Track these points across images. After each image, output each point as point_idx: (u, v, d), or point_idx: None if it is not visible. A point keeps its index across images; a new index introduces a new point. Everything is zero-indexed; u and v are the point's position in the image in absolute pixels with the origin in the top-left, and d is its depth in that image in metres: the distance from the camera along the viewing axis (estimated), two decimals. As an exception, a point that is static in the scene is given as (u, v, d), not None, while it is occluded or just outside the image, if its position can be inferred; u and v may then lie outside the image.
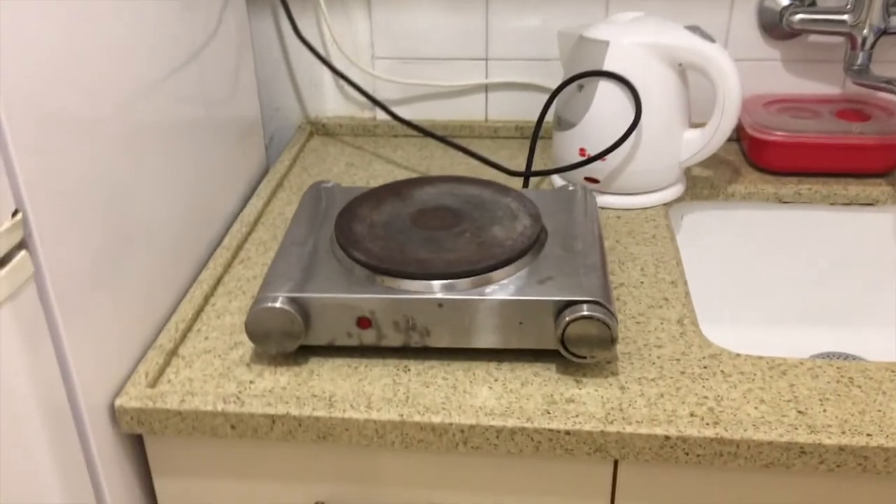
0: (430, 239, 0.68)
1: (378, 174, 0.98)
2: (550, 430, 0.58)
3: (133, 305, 0.66)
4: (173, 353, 0.68)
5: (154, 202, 0.70)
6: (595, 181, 0.88)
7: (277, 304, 0.63)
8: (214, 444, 0.64)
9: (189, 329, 0.71)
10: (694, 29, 0.83)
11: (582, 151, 0.87)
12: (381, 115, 1.08)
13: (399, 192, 0.75)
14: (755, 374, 0.63)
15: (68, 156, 0.56)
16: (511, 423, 0.59)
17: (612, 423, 0.59)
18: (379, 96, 1.08)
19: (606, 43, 0.83)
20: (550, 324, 0.63)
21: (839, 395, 0.61)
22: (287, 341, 0.64)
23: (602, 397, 0.61)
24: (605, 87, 0.84)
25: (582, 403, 0.61)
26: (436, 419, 0.59)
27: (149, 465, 0.67)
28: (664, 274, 0.77)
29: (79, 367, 0.58)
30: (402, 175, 0.97)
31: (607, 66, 0.83)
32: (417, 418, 0.59)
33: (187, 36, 0.78)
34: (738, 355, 0.66)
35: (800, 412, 0.60)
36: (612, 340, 0.61)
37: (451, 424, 0.59)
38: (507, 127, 1.07)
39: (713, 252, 0.96)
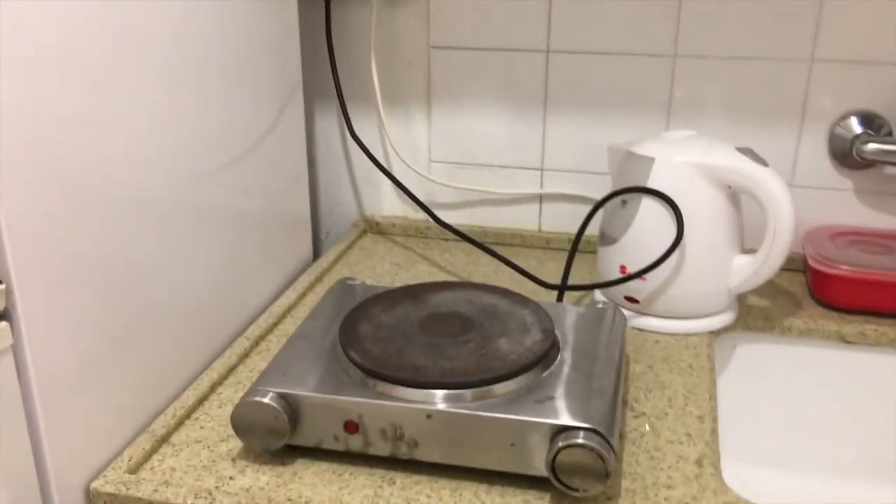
0: (432, 345, 0.65)
1: (420, 276, 0.96)
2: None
3: (132, 388, 0.66)
4: (164, 439, 0.66)
5: (174, 287, 0.71)
6: (635, 301, 0.84)
7: (265, 400, 0.61)
8: (185, 539, 0.62)
9: (187, 416, 0.70)
10: (745, 151, 0.79)
11: (622, 269, 0.83)
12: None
13: (416, 295, 0.73)
14: (771, 531, 0.57)
15: (74, 233, 0.57)
16: (484, 554, 0.54)
17: (594, 567, 0.53)
18: (434, 199, 1.08)
19: (652, 160, 0.80)
20: (545, 448, 0.58)
21: (864, 567, 0.53)
22: (271, 439, 0.62)
23: (592, 537, 0.56)
24: (648, 205, 0.80)
25: (568, 541, 0.56)
26: (405, 540, 0.55)
27: (123, 553, 0.65)
28: (692, 407, 0.71)
29: (54, 446, 0.57)
30: (442, 279, 0.96)
31: (651, 184, 0.80)
32: (386, 537, 0.56)
33: (242, 128, 0.80)
34: (757, 507, 0.59)
35: (814, 581, 0.52)
36: (607, 474, 0.56)
37: (420, 548, 0.55)
38: (559, 238, 1.04)
39: (765, 389, 0.89)
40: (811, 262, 0.88)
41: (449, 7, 0.98)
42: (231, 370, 0.76)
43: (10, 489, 0.54)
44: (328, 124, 1.08)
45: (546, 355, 0.64)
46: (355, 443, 0.62)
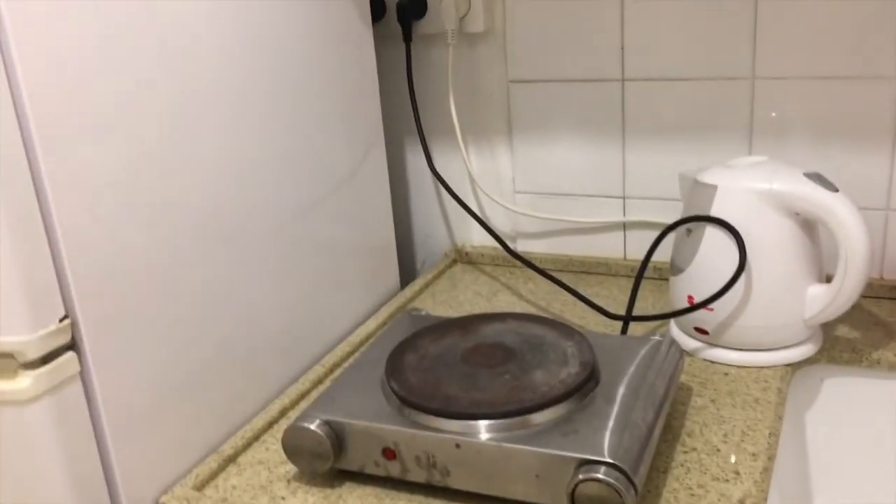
0: (468, 376, 0.67)
1: (498, 306, 0.98)
2: None
3: (205, 414, 0.72)
4: (232, 459, 0.72)
5: (253, 319, 0.77)
6: (705, 332, 0.82)
7: (311, 426, 0.65)
8: (240, 553, 0.67)
9: (255, 439, 0.75)
10: (813, 176, 0.76)
11: (690, 299, 0.81)
12: (521, 247, 1.10)
13: (465, 326, 0.75)
14: (802, 576, 0.54)
15: (145, 270, 0.64)
16: (497, 583, 0.55)
17: None
18: (521, 229, 1.09)
19: (715, 187, 0.79)
20: (568, 482, 0.59)
21: None
22: (317, 462, 0.66)
23: (612, 572, 0.56)
24: (711, 233, 0.79)
25: (586, 575, 0.56)
26: (425, 565, 0.57)
27: (193, 563, 0.71)
28: (748, 444, 0.69)
29: (123, 465, 0.64)
30: (521, 308, 0.97)
31: (714, 212, 0.79)
32: (408, 561, 0.58)
33: (326, 169, 0.86)
34: (793, 550, 0.57)
35: None
36: (625, 510, 0.56)
37: (439, 574, 0.57)
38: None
39: (855, 425, 0.84)
40: (904, 291, 0.83)
41: (524, 42, 1.00)
42: (303, 396, 0.81)
43: (81, 500, 0.61)
44: (418, 160, 1.12)
45: (580, 388, 0.65)
46: (394, 469, 0.65)
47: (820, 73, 0.89)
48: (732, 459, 0.67)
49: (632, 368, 0.69)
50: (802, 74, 0.90)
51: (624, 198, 1.02)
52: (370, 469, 0.66)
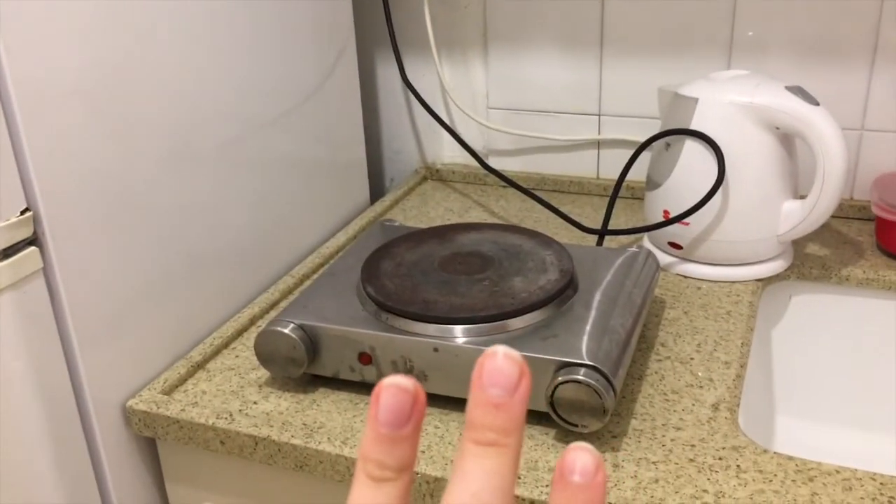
0: (446, 282, 0.66)
1: (471, 221, 0.97)
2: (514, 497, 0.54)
3: (175, 320, 0.70)
4: (200, 365, 0.71)
5: (225, 228, 0.75)
6: (678, 247, 0.82)
7: (284, 330, 0.64)
8: (212, 457, 0.66)
9: (225, 346, 0.74)
10: (795, 90, 0.75)
11: (665, 214, 0.81)
12: (493, 165, 1.08)
13: (443, 235, 0.74)
14: (775, 475, 0.55)
15: (115, 171, 0.61)
16: (476, 482, 0.55)
17: (581, 500, 0.53)
18: (493, 146, 1.08)
19: (695, 100, 0.78)
20: (547, 385, 0.58)
21: (866, 515, 0.51)
22: (291, 367, 0.65)
23: (589, 472, 0.56)
24: (690, 147, 0.78)
25: (563, 475, 0.56)
26: (402, 466, 0.57)
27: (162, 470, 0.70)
28: (721, 353, 0.69)
29: (90, 367, 0.62)
30: (492, 224, 0.96)
31: (695, 125, 0.78)
32: (385, 462, 0.57)
33: (294, 77, 0.83)
34: (766, 451, 0.57)
35: (809, 526, 0.51)
36: (605, 411, 0.56)
37: (417, 474, 0.57)
38: (616, 186, 1.02)
39: (821, 341, 0.85)
40: (874, 209, 0.83)
41: (503, -51, 0.97)
42: (273, 305, 0.80)
43: (45, 403, 0.59)
44: (389, 72, 1.09)
45: (559, 294, 0.64)
46: (369, 374, 0.64)
47: (802, -11, 0.87)
48: (706, 367, 0.67)
49: (609, 277, 0.69)
50: (785, -11, 0.88)
51: (599, 115, 1.01)
52: (345, 374, 0.65)
